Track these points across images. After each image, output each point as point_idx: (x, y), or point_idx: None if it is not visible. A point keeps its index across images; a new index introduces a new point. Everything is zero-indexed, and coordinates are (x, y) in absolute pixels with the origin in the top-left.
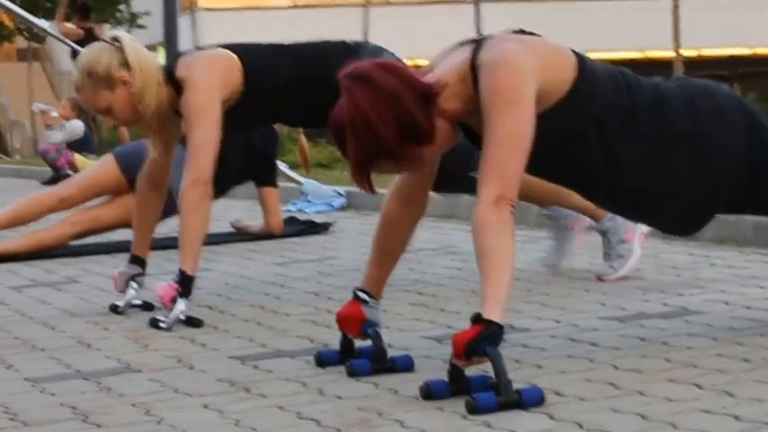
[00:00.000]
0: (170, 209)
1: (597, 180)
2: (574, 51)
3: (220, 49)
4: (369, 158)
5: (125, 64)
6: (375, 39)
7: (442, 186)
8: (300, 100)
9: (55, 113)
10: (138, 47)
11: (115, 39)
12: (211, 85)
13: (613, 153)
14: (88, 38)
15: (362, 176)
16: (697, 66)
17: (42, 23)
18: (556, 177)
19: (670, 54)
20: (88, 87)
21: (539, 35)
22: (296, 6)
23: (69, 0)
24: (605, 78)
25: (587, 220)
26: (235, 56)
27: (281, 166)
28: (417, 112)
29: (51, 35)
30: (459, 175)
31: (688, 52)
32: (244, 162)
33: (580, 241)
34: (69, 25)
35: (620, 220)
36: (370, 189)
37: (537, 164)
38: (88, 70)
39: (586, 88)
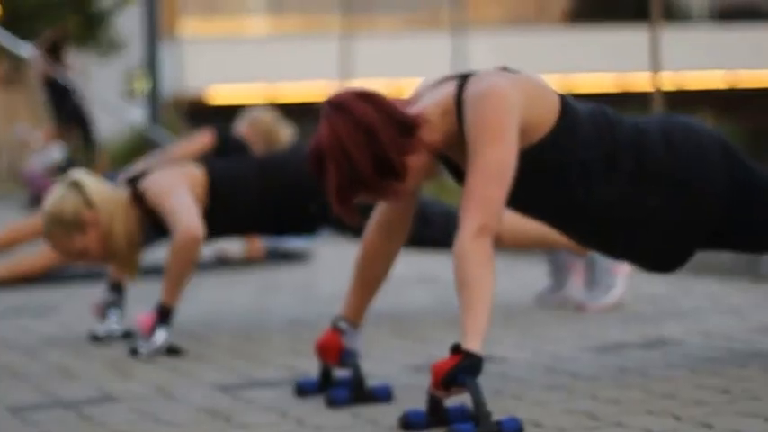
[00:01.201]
0: (152, 235)
1: (576, 217)
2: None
3: (185, 166)
4: (348, 187)
5: (89, 204)
6: (354, 64)
7: (426, 247)
8: (269, 208)
9: (36, 138)
10: (98, 183)
11: (74, 182)
12: (174, 180)
13: (594, 191)
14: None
15: (343, 205)
16: (676, 94)
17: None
18: (535, 213)
19: (648, 79)
20: (60, 235)
21: (523, 73)
22: (274, 35)
23: (52, 39)
24: (587, 117)
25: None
26: (199, 170)
27: None
28: (391, 149)
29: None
30: (444, 241)
31: (666, 79)
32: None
33: (577, 282)
34: (40, 68)
35: None
36: (353, 218)
37: (517, 199)
38: (57, 219)
39: (569, 127)
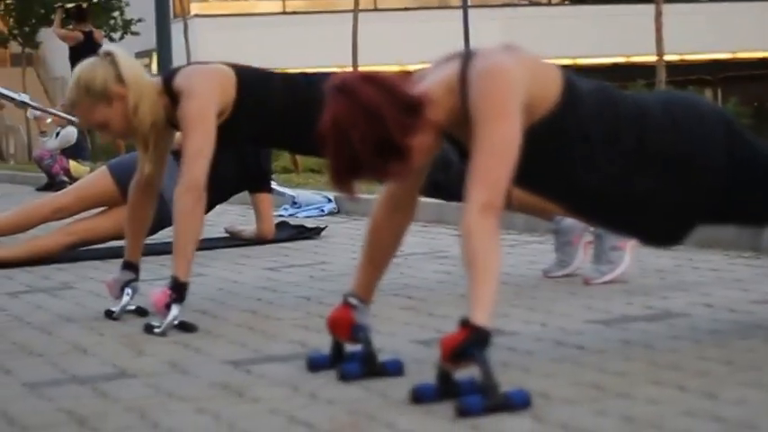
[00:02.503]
0: (166, 219)
1: (579, 193)
2: (559, 67)
3: (218, 64)
4: (346, 170)
5: (120, 78)
6: (364, 44)
7: (441, 193)
8: (291, 122)
9: (49, 120)
10: (131, 60)
11: (108, 53)
12: (209, 95)
13: (596, 167)
14: (87, 41)
15: (342, 186)
16: (680, 70)
17: (23, 97)
18: (538, 190)
19: (653, 59)
20: (85, 103)
21: (525, 50)
22: (285, 13)
23: (63, 10)
24: (589, 93)
25: (590, 236)
26: (232, 71)
27: (273, 184)
28: (395, 131)
29: (32, 107)
30: (459, 189)
31: (671, 57)
32: (235, 175)
33: (584, 256)
34: (64, 31)
35: None
36: (352, 196)
37: (521, 176)
38: (85, 86)
39: (572, 102)
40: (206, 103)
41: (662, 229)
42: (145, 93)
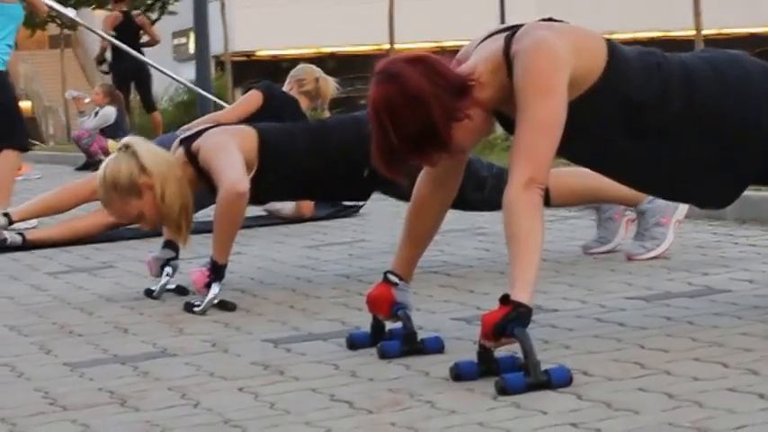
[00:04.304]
0: (207, 199)
1: (631, 161)
2: (602, 36)
3: (240, 125)
4: (389, 154)
5: (143, 169)
6: (401, 23)
7: (478, 210)
8: (318, 173)
9: (88, 99)
10: (151, 147)
11: (127, 145)
12: (225, 139)
13: (646, 132)
14: (125, 21)
15: (389, 169)
16: (718, 45)
17: (70, 12)
18: (590, 162)
19: (691, 33)
20: (116, 200)
21: (567, 23)
22: None
23: None
24: (635, 59)
25: (632, 213)
26: (250, 128)
27: None
28: (441, 118)
29: (81, 24)
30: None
31: (708, 31)
32: None
33: (625, 233)
34: (109, 20)
35: (659, 202)
36: (400, 180)
37: (573, 149)
38: (112, 184)
39: (619, 70)
40: (224, 142)
41: (714, 189)
42: (169, 176)
